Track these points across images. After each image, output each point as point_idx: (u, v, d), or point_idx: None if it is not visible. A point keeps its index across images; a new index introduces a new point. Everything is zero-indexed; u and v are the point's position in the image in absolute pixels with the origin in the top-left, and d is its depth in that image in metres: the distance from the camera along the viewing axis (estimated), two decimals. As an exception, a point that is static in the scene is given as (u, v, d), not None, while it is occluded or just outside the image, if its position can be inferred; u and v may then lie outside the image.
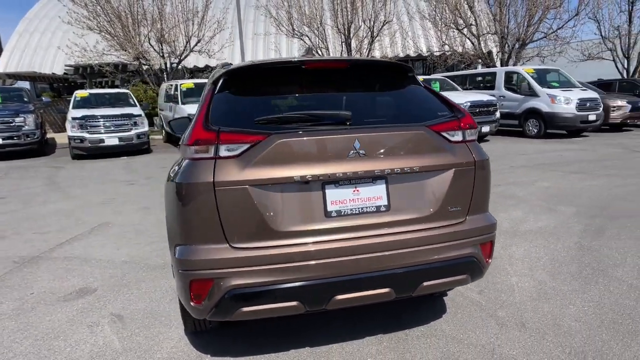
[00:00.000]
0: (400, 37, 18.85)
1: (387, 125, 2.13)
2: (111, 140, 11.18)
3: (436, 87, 12.34)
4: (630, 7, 16.51)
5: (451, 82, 13.08)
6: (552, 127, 11.60)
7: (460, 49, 17.67)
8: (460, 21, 17.53)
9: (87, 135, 11.00)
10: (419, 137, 2.10)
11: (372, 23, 16.15)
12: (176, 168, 2.22)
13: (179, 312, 2.90)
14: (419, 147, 2.10)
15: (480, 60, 17.78)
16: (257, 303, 1.97)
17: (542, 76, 12.34)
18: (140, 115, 11.72)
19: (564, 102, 11.33)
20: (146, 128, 11.78)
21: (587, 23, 17.21)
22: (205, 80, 13.73)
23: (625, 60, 17.11)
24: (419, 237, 2.09)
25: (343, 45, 17.42)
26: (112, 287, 3.41)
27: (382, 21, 16.34)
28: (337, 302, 2.04)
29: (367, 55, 16.75)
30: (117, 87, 19.69)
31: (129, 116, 11.50)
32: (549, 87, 11.91)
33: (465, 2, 17.49)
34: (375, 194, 2.05)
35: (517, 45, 16.71)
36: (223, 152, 1.95)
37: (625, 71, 17.15)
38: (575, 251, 3.76)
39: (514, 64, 16.89)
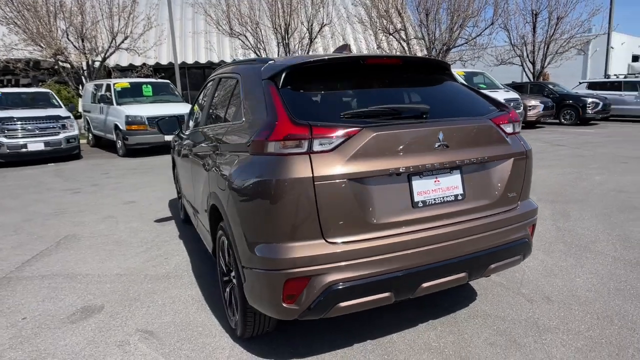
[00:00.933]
0: (337, 40, 19.29)
1: (460, 118, 2.23)
2: (35, 145, 10.02)
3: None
4: (534, 19, 18.65)
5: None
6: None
7: (393, 53, 18.59)
8: (390, 26, 18.40)
9: (4, 140, 9.74)
10: (486, 129, 2.24)
11: (310, 25, 16.34)
12: (239, 166, 2.12)
13: (215, 321, 2.77)
14: (486, 139, 2.24)
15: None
16: (354, 297, 1.96)
17: (470, 78, 13.43)
18: (69, 117, 10.65)
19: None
20: (76, 131, 10.74)
21: (500, 32, 19.01)
22: (142, 80, 12.91)
23: (531, 65, 19.24)
24: (488, 222, 2.23)
25: (279, 46, 17.39)
26: (120, 302, 3.11)
27: (320, 23, 16.60)
28: (423, 289, 2.10)
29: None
30: (25, 86, 17.61)
31: (56, 118, 10.39)
32: (478, 88, 12.98)
33: (394, 9, 18.42)
34: (452, 184, 2.14)
35: (443, 50, 17.96)
36: (317, 146, 1.90)
37: (531, 74, 19.29)
38: (555, 232, 4.21)
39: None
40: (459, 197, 2.16)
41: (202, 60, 20.85)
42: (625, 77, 16.51)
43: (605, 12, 21.10)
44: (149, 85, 12.30)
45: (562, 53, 18.70)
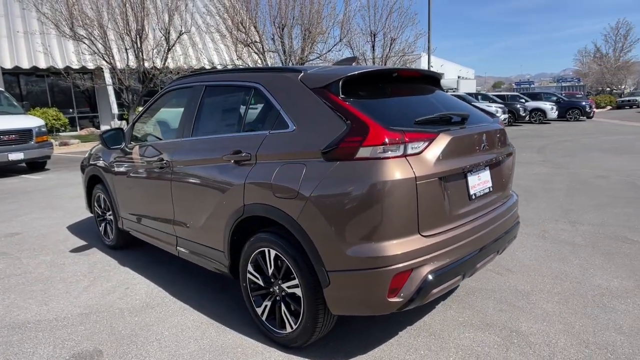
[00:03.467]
0: (198, 48, 18.50)
1: (485, 123, 2.67)
2: None
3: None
4: (373, 39, 21.30)
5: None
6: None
7: (251, 64, 18.81)
8: (246, 38, 18.64)
9: None
10: (501, 133, 2.74)
11: (167, 32, 15.36)
12: (318, 173, 2.14)
13: (248, 338, 2.67)
14: (501, 140, 2.74)
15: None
16: (441, 283, 2.20)
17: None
18: None
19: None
20: None
21: (347, 49, 21.06)
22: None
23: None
24: (505, 209, 2.73)
25: (128, 53, 15.91)
26: (117, 342, 2.66)
27: (178, 31, 15.76)
28: (476, 270, 2.47)
29: (163, 64, 15.86)
30: None
31: None
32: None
33: (249, 21, 18.73)
34: (486, 179, 2.57)
35: (298, 64, 19.01)
36: (409, 150, 2.08)
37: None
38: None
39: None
40: (490, 189, 2.60)
41: (42, 65, 17.79)
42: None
43: (435, 37, 25.23)
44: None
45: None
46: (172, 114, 3.61)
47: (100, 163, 4.22)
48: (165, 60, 15.61)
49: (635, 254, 3.89)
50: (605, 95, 40.16)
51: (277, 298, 2.53)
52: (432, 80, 2.97)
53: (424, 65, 27.86)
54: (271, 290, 2.57)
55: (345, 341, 2.59)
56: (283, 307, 2.49)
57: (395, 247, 2.05)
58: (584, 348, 2.47)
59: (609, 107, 35.71)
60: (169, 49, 15.57)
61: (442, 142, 2.20)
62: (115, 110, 18.97)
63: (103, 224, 4.50)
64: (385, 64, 21.27)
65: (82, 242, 4.67)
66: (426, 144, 2.15)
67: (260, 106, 2.73)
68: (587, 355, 2.40)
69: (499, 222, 2.63)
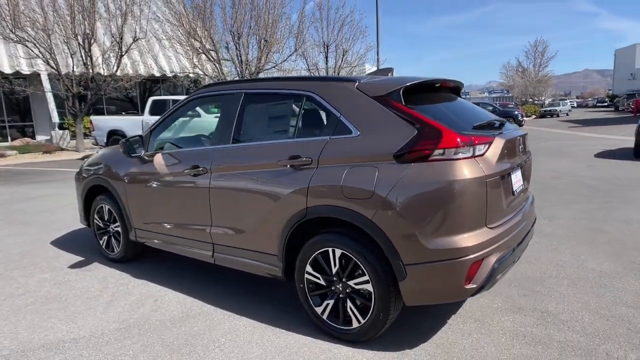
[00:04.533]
0: (154, 54, 17.78)
1: (515, 129, 2.97)
2: None
3: (214, 109, 12.78)
4: (326, 50, 21.83)
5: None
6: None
7: (209, 73, 18.47)
8: (200, 46, 18.33)
9: None
10: (526, 137, 3.07)
11: (120, 37, 14.69)
12: (395, 174, 2.30)
13: (315, 339, 2.76)
14: (526, 144, 3.06)
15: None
16: (503, 270, 2.45)
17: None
18: None
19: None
20: None
21: (302, 59, 21.33)
22: None
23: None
24: (530, 204, 3.06)
25: (74, 58, 15.02)
26: (179, 354, 2.62)
27: (133, 36, 15.13)
28: (519, 257, 2.76)
29: (115, 70, 15.13)
30: None
31: None
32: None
33: (202, 28, 18.45)
34: (519, 177, 2.86)
35: (254, 73, 18.99)
36: (477, 151, 2.32)
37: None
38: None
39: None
40: (523, 186, 2.91)
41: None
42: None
43: (380, 49, 26.17)
44: None
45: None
46: (199, 122, 3.59)
47: (107, 172, 4.05)
48: (118, 66, 14.90)
49: (611, 240, 4.44)
50: (530, 105, 44.06)
51: (341, 296, 2.64)
52: (456, 90, 3.26)
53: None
54: (333, 288, 2.67)
55: (401, 332, 2.75)
56: (349, 304, 2.60)
57: (470, 238, 2.26)
58: (605, 321, 2.83)
59: (533, 116, 39.18)
60: (121, 55, 14.89)
61: (498, 144, 2.46)
62: (55, 118, 17.71)
63: (105, 237, 4.30)
64: (338, 74, 21.84)
65: (78, 258, 4.42)
66: (487, 146, 2.39)
67: (314, 113, 2.85)
68: (611, 326, 2.76)
69: (529, 216, 2.95)
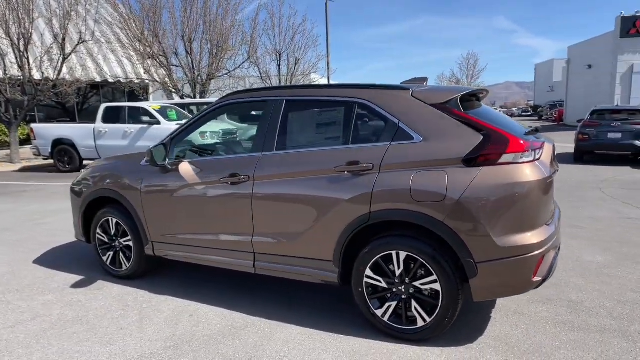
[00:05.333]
0: (98, 58, 16.61)
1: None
2: None
3: (173, 115, 12.32)
4: (278, 58, 21.85)
5: (183, 110, 13.30)
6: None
7: (158, 78, 17.71)
8: (149, 50, 17.60)
9: None
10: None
11: (62, 38, 13.62)
12: (465, 177, 2.44)
13: (377, 335, 2.79)
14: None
15: (175, 91, 18.47)
16: (557, 262, 2.68)
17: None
18: None
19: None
20: None
21: (254, 67, 21.14)
22: None
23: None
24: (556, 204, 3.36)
25: (5, 60, 13.74)
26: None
27: (76, 39, 14.09)
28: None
29: (57, 74, 13.99)
30: None
31: None
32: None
33: (151, 32, 17.75)
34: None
35: (207, 79, 18.56)
36: (536, 155, 2.52)
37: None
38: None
39: (201, 96, 18.71)
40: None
41: None
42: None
43: (331, 59, 26.58)
44: None
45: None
46: (232, 129, 3.50)
47: (117, 182, 3.81)
48: (60, 70, 13.84)
49: (591, 236, 4.94)
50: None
51: (403, 297, 2.73)
52: (479, 98, 3.49)
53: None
54: (394, 290, 2.75)
55: (456, 329, 2.88)
56: (414, 304, 2.70)
57: (536, 235, 2.46)
58: (623, 305, 3.17)
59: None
60: (64, 59, 13.85)
61: (547, 149, 2.70)
62: (-20, 127, 15.99)
63: (110, 253, 4.03)
64: (291, 82, 21.97)
65: (75, 276, 4.08)
66: (541, 151, 2.62)
67: (368, 120, 2.92)
68: (630, 309, 3.10)
69: (559, 216, 3.23)
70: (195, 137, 3.64)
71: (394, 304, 2.76)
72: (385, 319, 2.79)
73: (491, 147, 2.47)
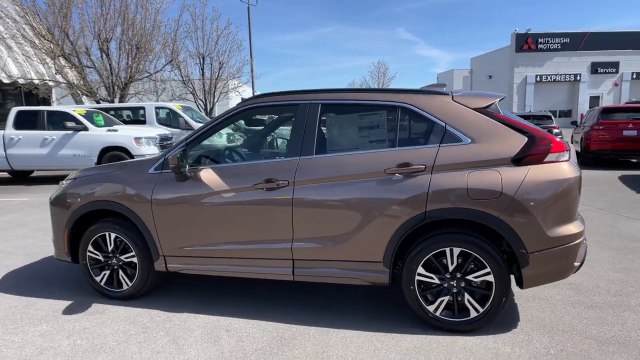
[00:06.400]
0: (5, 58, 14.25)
1: None
2: None
3: (100, 121, 11.27)
4: (202, 62, 21.05)
5: (108, 115, 12.19)
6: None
7: (72, 80, 15.95)
8: (57, 49, 15.88)
9: None
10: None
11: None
12: (520, 175, 2.67)
13: (428, 329, 2.92)
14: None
15: (89, 94, 16.83)
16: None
17: (187, 112, 13.98)
18: None
19: (217, 135, 13.59)
20: None
21: (176, 70, 20.04)
22: None
23: (202, 102, 21.58)
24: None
25: None
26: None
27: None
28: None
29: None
30: None
31: None
32: (201, 122, 13.76)
33: (59, 29, 16.04)
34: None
35: (126, 81, 17.24)
36: (570, 155, 2.84)
37: (204, 110, 21.62)
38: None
39: (120, 100, 17.36)
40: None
41: None
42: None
43: (256, 65, 26.21)
44: None
45: (226, 93, 22.03)
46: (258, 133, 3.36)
47: (118, 193, 3.43)
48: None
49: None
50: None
51: (455, 290, 2.88)
52: None
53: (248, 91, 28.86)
54: (445, 285, 2.89)
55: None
56: (467, 297, 2.86)
57: (576, 225, 2.78)
58: (613, 283, 3.67)
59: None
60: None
61: (573, 150, 3.05)
62: None
63: (105, 272, 3.61)
64: (215, 87, 21.35)
65: (60, 302, 3.59)
66: (571, 151, 2.95)
67: (413, 123, 3.03)
68: (620, 286, 3.60)
69: None
70: (214, 142, 3.43)
71: (446, 298, 2.90)
72: (438, 313, 2.91)
73: (538, 147, 2.74)
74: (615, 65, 27.49)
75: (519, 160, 2.74)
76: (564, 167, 2.75)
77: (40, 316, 3.36)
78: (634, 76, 27.77)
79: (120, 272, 3.59)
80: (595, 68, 27.28)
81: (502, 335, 2.87)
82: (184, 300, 3.58)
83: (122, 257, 3.56)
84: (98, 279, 3.64)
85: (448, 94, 3.01)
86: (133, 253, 3.51)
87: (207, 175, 3.25)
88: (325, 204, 3.01)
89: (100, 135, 10.47)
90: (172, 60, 18.88)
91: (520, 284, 2.84)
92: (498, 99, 2.99)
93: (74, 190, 3.63)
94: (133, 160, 3.89)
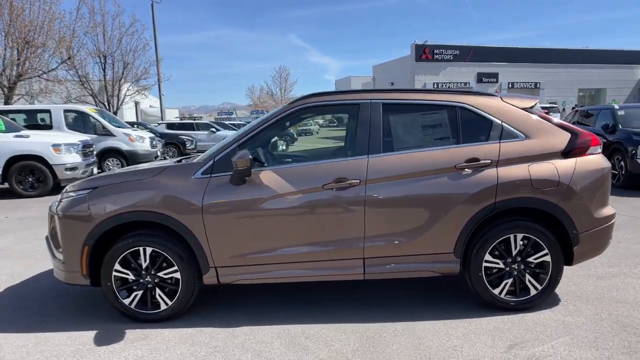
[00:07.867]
0: None
1: None
2: None
3: (0, 126, 9.61)
4: (103, 61, 18.99)
5: (8, 119, 10.39)
6: (133, 162, 12.40)
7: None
8: None
9: None
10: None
11: None
12: (573, 166, 3.06)
13: (486, 311, 3.17)
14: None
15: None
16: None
17: (103, 116, 12.61)
18: None
19: (140, 140, 12.50)
20: None
21: (72, 68, 17.70)
22: None
23: (104, 105, 19.54)
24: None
25: None
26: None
27: None
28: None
29: None
30: None
31: None
32: (119, 127, 12.51)
33: None
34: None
35: (14, 79, 14.89)
36: (600, 149, 3.32)
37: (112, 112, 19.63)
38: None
39: (6, 102, 14.99)
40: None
41: None
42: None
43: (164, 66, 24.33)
44: None
45: (131, 95, 20.28)
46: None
47: (158, 200, 3.05)
48: None
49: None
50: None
51: (515, 273, 3.17)
52: None
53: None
54: (507, 269, 3.17)
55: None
56: (528, 277, 3.17)
57: (611, 207, 3.28)
58: (606, 258, 4.34)
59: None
60: None
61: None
62: None
63: (137, 293, 3.18)
64: (120, 88, 19.56)
65: (84, 334, 3.06)
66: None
67: (472, 121, 3.24)
68: (608, 260, 4.28)
69: None
70: (268, 143, 3.24)
71: (509, 281, 3.17)
72: (502, 295, 3.17)
73: (581, 142, 3.17)
74: (496, 75, 32.44)
75: (567, 153, 3.13)
76: (600, 159, 3.23)
77: (69, 352, 2.83)
78: (510, 85, 33.00)
79: (158, 291, 3.19)
80: (480, 77, 31.82)
81: (557, 308, 3.23)
82: (230, 313, 3.32)
83: (159, 274, 3.17)
84: (127, 301, 3.18)
85: (497, 96, 3.31)
86: (175, 267, 3.15)
87: (269, 176, 3.08)
88: (398, 201, 3.07)
89: (6, 142, 8.92)
90: (69, 58, 16.78)
91: (569, 262, 3.24)
92: (537, 101, 3.37)
93: (98, 200, 3.12)
94: (163, 164, 3.47)
